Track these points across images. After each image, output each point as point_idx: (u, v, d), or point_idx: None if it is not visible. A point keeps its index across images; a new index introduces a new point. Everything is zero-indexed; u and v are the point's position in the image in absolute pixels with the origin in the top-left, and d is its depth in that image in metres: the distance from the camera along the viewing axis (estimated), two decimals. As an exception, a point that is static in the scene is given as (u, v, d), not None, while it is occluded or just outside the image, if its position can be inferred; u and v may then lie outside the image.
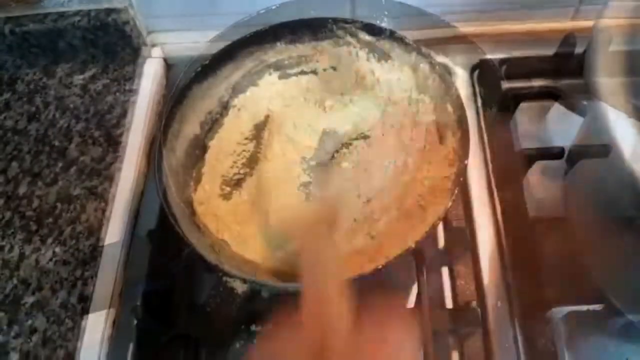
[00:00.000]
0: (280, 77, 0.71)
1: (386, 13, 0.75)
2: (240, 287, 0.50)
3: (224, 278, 0.50)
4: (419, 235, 0.51)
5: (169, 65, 0.82)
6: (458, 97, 0.60)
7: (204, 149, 0.66)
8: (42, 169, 0.72)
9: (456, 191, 0.53)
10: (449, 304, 0.59)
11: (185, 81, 0.63)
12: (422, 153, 0.62)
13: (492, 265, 0.60)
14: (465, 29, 0.78)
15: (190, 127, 0.64)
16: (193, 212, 0.60)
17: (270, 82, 0.70)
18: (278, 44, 0.68)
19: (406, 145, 0.64)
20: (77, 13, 0.77)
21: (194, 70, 0.63)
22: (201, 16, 0.78)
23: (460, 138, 0.58)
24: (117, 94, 0.78)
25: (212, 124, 0.67)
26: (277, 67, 0.70)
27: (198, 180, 0.64)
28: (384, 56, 0.67)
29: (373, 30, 0.65)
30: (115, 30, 0.77)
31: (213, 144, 0.66)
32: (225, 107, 0.68)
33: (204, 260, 0.50)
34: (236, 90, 0.69)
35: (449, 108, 0.61)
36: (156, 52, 0.83)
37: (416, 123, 0.64)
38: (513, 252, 0.60)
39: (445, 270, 0.62)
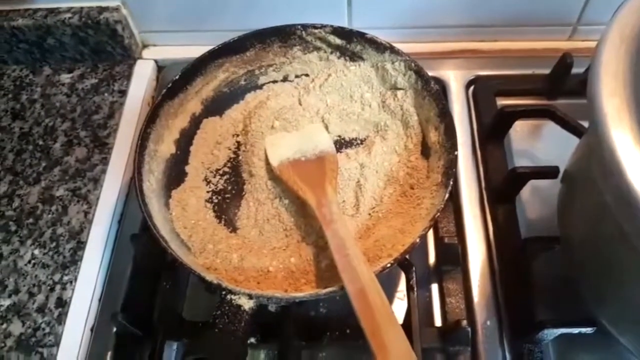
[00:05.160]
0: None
1: (382, 25, 0.75)
2: (246, 304, 0.48)
3: (228, 296, 0.48)
4: (419, 231, 0.50)
5: (160, 67, 0.81)
6: (437, 90, 0.60)
7: (183, 170, 0.63)
8: (25, 168, 0.70)
9: (451, 183, 0.53)
10: (438, 321, 0.59)
11: (158, 99, 0.61)
12: (408, 151, 0.62)
13: (482, 284, 0.59)
14: (461, 44, 0.78)
15: (165, 146, 0.62)
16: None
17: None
18: (247, 53, 0.67)
19: (392, 145, 0.63)
20: (68, 10, 0.75)
21: (164, 87, 0.62)
22: (196, 18, 0.77)
23: (444, 131, 0.58)
24: (106, 94, 0.76)
25: (187, 143, 0.65)
26: (249, 79, 0.69)
27: (181, 200, 0.61)
28: (356, 58, 0.66)
29: (343, 33, 0.65)
30: (107, 29, 0.75)
31: (191, 165, 0.64)
32: (197, 125, 0.66)
33: (203, 280, 0.49)
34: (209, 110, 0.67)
35: (429, 102, 0.60)
36: (148, 53, 0.81)
37: (397, 122, 0.64)
38: (504, 270, 0.60)
39: (435, 287, 0.61)
